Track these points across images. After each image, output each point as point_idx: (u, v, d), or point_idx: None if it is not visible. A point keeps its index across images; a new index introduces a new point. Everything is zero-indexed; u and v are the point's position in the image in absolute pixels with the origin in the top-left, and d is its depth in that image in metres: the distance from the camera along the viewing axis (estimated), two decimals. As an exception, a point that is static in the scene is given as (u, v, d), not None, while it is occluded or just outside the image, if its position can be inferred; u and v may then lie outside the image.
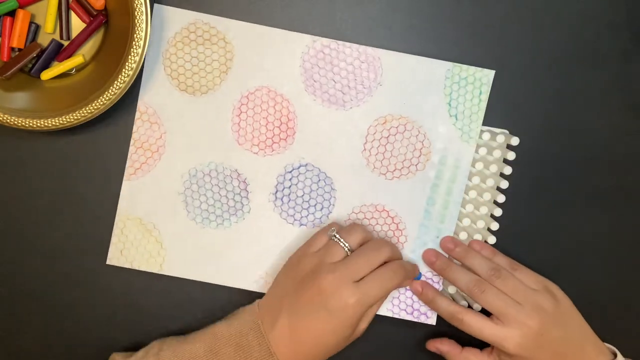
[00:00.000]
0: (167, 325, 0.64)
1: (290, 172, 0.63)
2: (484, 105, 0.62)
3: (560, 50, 0.64)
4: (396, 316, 0.64)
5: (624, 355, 0.61)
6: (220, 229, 0.63)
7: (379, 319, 0.64)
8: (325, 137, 0.63)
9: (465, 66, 0.62)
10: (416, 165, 0.63)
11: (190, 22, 0.61)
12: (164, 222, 0.63)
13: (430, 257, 0.63)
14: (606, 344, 0.62)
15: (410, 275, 0.61)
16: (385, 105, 0.62)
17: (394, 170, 0.63)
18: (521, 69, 0.64)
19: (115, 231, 0.63)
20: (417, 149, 0.63)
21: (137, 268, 0.63)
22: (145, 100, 0.62)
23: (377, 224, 0.63)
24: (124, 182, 0.62)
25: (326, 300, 0.55)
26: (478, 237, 0.63)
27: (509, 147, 0.62)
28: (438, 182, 0.63)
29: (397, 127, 0.63)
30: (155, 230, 0.63)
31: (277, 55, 0.62)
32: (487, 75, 0.62)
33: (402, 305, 0.64)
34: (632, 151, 0.66)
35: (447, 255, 0.63)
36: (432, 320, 0.64)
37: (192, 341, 0.57)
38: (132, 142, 0.62)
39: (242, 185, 0.63)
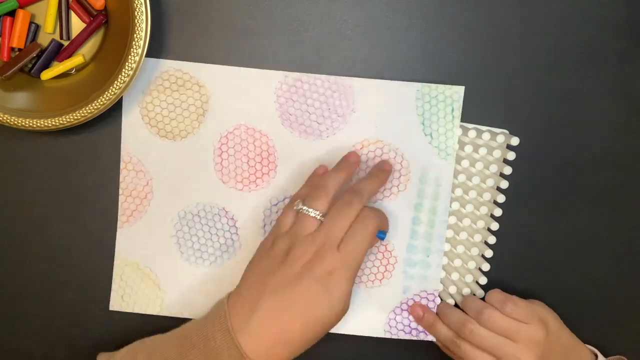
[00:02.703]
0: (166, 325, 0.63)
1: (276, 205, 0.64)
2: (457, 121, 0.63)
3: (560, 50, 0.64)
4: (394, 337, 0.64)
5: (626, 355, 0.61)
6: (213, 267, 0.65)
7: (375, 340, 0.64)
8: (306, 168, 0.64)
9: (434, 85, 0.62)
10: (397, 186, 0.63)
11: (162, 71, 0.63)
12: (160, 265, 0.64)
13: (417, 312, 0.63)
14: (588, 345, 0.62)
15: (383, 218, 0.58)
16: (361, 131, 0.63)
17: (377, 194, 0.64)
18: (521, 69, 0.64)
19: (115, 278, 0.65)
20: (397, 170, 0.63)
21: (138, 312, 0.65)
22: (129, 150, 0.63)
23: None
24: (118, 230, 0.64)
25: (313, 270, 0.53)
26: (478, 237, 0.63)
27: (509, 147, 0.62)
28: (421, 201, 0.63)
29: (374, 151, 0.63)
30: (152, 273, 0.65)
31: (251, 94, 0.63)
32: (457, 92, 0.62)
33: (399, 326, 0.64)
34: (632, 151, 0.66)
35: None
36: (431, 337, 0.64)
37: (164, 344, 0.55)
38: (120, 191, 0.64)
39: (231, 222, 0.64)
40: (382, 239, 0.58)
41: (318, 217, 0.55)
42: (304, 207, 0.56)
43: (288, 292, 0.53)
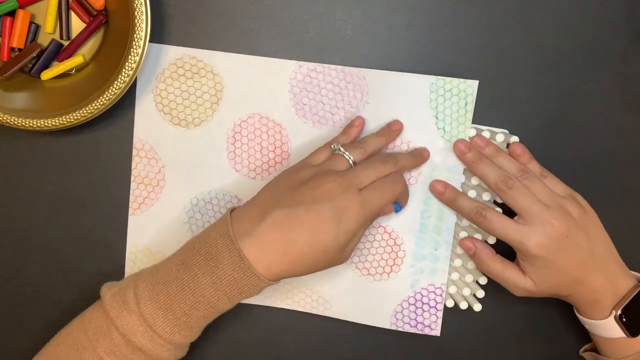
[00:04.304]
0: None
1: (288, 194, 0.64)
2: (470, 115, 0.62)
3: (560, 50, 0.64)
4: (400, 329, 0.65)
5: None
6: None
7: (380, 331, 0.65)
8: (319, 158, 0.64)
9: (448, 79, 0.62)
10: (408, 179, 0.63)
11: (177, 58, 0.63)
12: (173, 251, 0.65)
13: (462, 148, 0.62)
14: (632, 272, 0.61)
15: (406, 192, 0.61)
16: (374, 122, 0.63)
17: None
18: (521, 69, 0.64)
19: (128, 262, 0.65)
20: (409, 164, 0.63)
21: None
22: (141, 137, 0.64)
23: (375, 239, 0.64)
24: (130, 217, 0.65)
25: (331, 199, 0.53)
26: (478, 236, 0.63)
27: (509, 146, 0.62)
28: (431, 194, 0.63)
29: (386, 143, 0.63)
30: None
31: (265, 83, 0.63)
32: (471, 86, 0.62)
33: (406, 319, 0.64)
34: (632, 151, 0.66)
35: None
36: (436, 332, 0.64)
37: (167, 260, 0.57)
38: (132, 178, 0.64)
39: (243, 210, 0.65)
40: (397, 211, 0.61)
41: (350, 161, 0.58)
42: (342, 149, 0.58)
43: (301, 209, 0.53)
